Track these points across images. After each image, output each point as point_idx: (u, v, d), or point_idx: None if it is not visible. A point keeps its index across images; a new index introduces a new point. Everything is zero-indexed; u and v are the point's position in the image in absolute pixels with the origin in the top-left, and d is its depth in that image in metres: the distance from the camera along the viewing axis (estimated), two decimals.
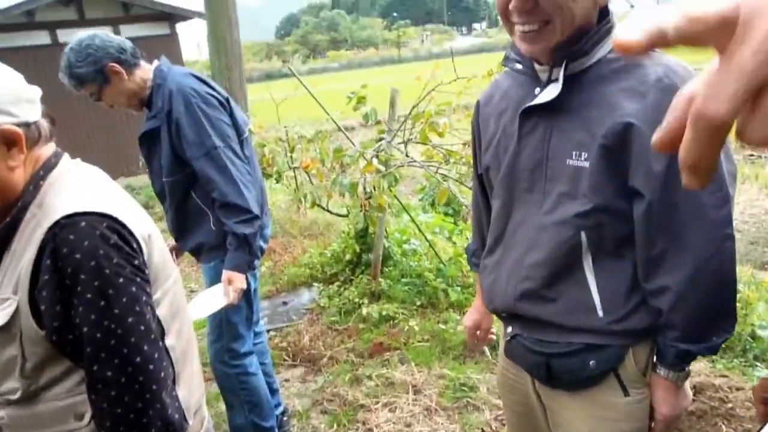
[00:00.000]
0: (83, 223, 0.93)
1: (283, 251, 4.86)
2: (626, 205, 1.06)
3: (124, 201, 1.07)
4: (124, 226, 0.98)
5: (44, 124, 1.03)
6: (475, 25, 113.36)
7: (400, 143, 2.90)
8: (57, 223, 0.92)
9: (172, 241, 2.43)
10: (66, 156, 1.07)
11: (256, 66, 42.15)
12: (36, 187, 0.99)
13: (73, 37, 1.98)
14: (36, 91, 1.01)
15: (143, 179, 8.88)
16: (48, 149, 1.04)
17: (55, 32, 8.90)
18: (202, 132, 1.97)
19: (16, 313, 0.93)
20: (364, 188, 2.89)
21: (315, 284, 4.14)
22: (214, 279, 2.17)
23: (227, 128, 2.05)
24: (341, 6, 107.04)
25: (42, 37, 8.83)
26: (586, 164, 1.05)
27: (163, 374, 1.00)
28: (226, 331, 2.23)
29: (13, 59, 8.99)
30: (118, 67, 1.96)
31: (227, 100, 2.14)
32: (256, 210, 2.04)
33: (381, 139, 2.80)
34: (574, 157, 1.07)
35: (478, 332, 1.57)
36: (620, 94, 1.03)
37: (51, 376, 0.97)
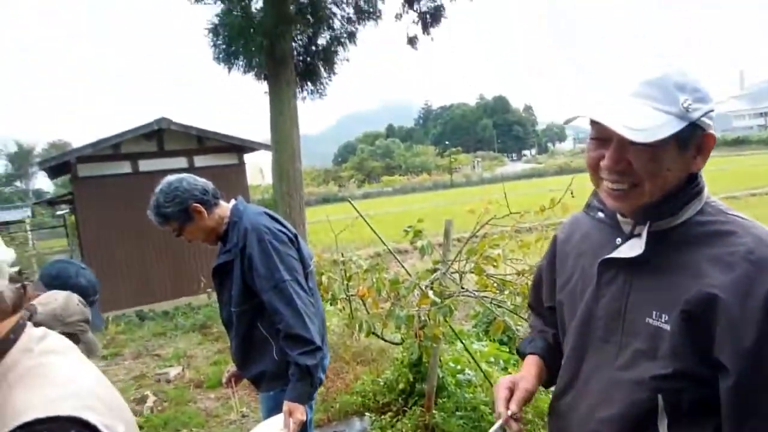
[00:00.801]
0: None
1: (335, 377, 4.81)
2: (710, 373, 1.00)
3: (95, 385, 0.90)
4: (95, 429, 0.82)
5: (7, 295, 0.88)
6: (525, 152, 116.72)
7: (454, 273, 2.97)
8: None
9: (232, 368, 2.49)
10: (29, 328, 0.91)
11: (314, 190, 44.48)
12: None
13: (163, 179, 2.21)
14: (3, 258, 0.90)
15: (203, 299, 9.19)
16: (7, 323, 0.88)
17: (137, 162, 9.79)
18: (272, 266, 2.09)
19: None
20: (419, 317, 2.91)
21: (367, 414, 4.05)
22: (273, 408, 2.19)
23: (295, 263, 2.18)
24: (395, 135, 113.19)
25: (125, 167, 9.71)
26: (667, 327, 1.02)
27: None
28: None
29: (101, 186, 9.80)
30: (200, 207, 2.16)
31: (295, 236, 2.29)
32: (318, 342, 2.10)
33: (436, 270, 2.88)
34: (654, 317, 1.04)
35: (513, 393, 1.24)
36: (707, 261, 1.00)
37: None
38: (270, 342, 2.19)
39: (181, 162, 10.04)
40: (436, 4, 10.77)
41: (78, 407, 0.79)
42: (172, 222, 2.18)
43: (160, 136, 10.01)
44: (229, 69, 10.03)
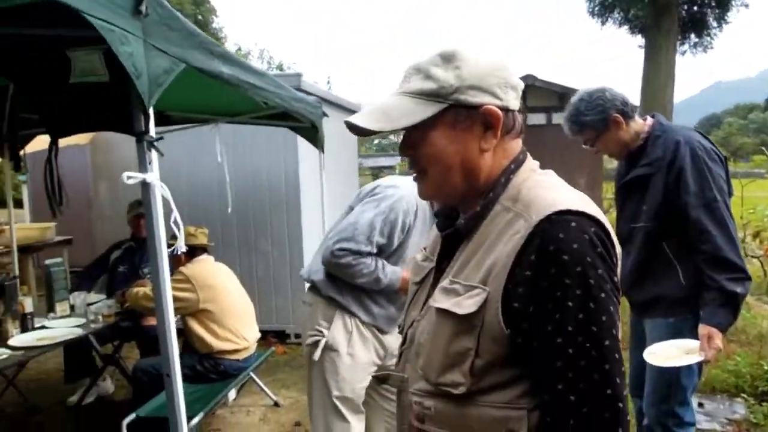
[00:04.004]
0: (573, 224, 0.84)
1: None
2: None
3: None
4: (608, 235, 0.87)
5: (519, 118, 0.99)
6: None
7: None
8: (548, 218, 0.84)
9: None
10: (529, 156, 1.03)
11: None
12: (507, 181, 0.96)
13: (582, 89, 2.22)
14: (520, 84, 1.00)
15: None
16: (517, 144, 1.00)
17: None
18: (705, 184, 1.99)
19: (484, 305, 0.86)
20: None
21: (743, 395, 3.58)
22: (668, 336, 2.06)
23: (724, 185, 2.04)
24: None
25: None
26: None
27: (625, 417, 0.84)
28: (675, 393, 2.11)
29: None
30: (620, 118, 2.14)
31: (725, 158, 2.13)
32: (748, 271, 1.94)
33: None
34: None
35: None
36: None
37: (496, 380, 0.87)
38: (674, 265, 2.07)
39: (540, 118, 10.18)
40: None
41: (595, 211, 0.87)
42: (588, 131, 2.18)
43: (524, 92, 10.32)
44: (603, 22, 9.68)
